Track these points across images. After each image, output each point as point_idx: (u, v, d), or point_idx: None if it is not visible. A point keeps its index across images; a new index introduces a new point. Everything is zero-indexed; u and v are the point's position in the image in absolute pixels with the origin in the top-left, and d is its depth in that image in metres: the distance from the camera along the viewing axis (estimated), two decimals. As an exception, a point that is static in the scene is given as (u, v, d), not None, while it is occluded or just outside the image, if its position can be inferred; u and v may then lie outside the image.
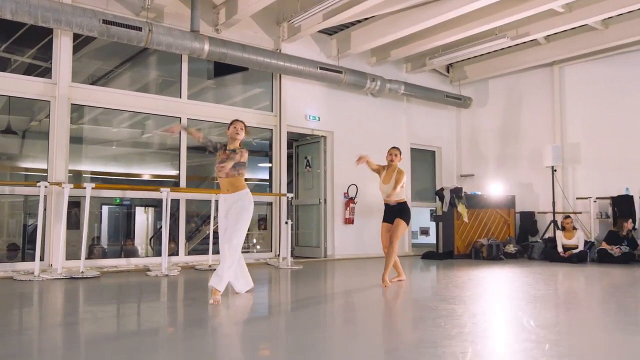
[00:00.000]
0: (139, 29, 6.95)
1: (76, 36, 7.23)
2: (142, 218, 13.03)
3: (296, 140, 10.19)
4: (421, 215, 11.76)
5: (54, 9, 6.37)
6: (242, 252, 4.98)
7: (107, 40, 7.63)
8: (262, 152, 10.02)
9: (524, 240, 10.09)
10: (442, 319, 3.88)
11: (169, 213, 7.04)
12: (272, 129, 8.90)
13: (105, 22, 6.71)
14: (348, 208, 9.48)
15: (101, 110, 9.05)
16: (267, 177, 10.60)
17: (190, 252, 8.29)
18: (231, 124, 4.93)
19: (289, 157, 10.43)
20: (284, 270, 7.53)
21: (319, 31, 9.03)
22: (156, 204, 12.52)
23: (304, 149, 10.07)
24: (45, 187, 6.30)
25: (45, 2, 6.34)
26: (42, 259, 6.43)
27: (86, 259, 6.67)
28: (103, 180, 10.92)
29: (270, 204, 8.87)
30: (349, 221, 9.47)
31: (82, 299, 5.08)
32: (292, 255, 8.20)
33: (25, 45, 7.84)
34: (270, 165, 9.03)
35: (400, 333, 3.74)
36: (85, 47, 8.18)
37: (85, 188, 6.40)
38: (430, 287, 6.30)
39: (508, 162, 10.75)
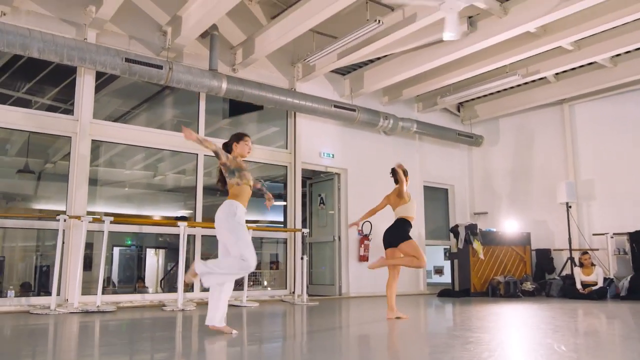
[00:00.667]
0: (160, 67, 7.16)
1: (98, 76, 7.45)
2: (153, 260, 13.00)
3: (309, 178, 10.25)
4: (435, 254, 11.65)
5: (79, 47, 6.59)
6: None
7: (127, 81, 7.89)
8: (275, 193, 10.10)
9: (541, 277, 9.94)
10: (471, 344, 3.80)
11: (184, 249, 7.01)
12: (286, 166, 8.98)
13: (127, 60, 6.92)
14: (362, 245, 9.43)
15: (115, 152, 9.21)
16: (281, 218, 10.62)
17: (203, 290, 8.22)
18: (244, 140, 4.60)
19: (303, 195, 10.48)
20: (299, 306, 7.43)
21: (333, 71, 9.26)
22: (167, 246, 12.51)
23: (317, 186, 10.12)
24: (65, 220, 6.34)
25: (71, 41, 6.57)
26: (58, 294, 6.39)
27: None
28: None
29: (285, 240, 8.84)
30: (363, 258, 9.40)
31: (112, 332, 5.01)
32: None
33: (48, 84, 8.07)
34: (285, 203, 9.06)
35: (433, 356, 3.66)
36: (105, 87, 8.42)
37: (104, 221, 6.44)
38: (452, 320, 6.18)
39: (521, 200, 10.72)
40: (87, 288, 8.62)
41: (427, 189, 10.84)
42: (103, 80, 7.92)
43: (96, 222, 6.53)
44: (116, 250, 12.02)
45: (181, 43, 7.56)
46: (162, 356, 3.55)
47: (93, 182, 10.27)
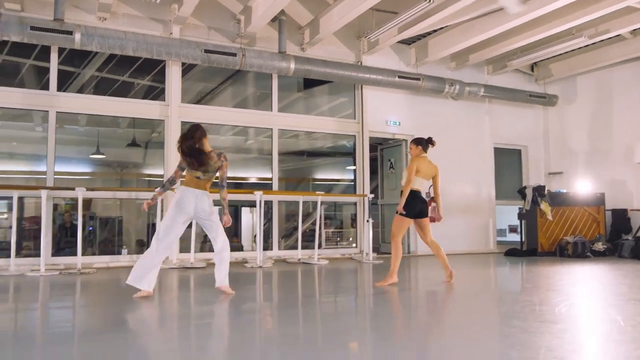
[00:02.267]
0: (234, 54, 8.07)
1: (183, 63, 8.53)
2: (248, 217, 14.43)
3: (380, 144, 10.87)
4: (510, 214, 11.86)
5: (165, 44, 7.67)
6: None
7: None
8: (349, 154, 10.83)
9: (617, 238, 9.90)
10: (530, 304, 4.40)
11: (262, 212, 8.07)
12: (355, 135, 9.67)
13: (206, 51, 7.91)
14: (430, 207, 9.95)
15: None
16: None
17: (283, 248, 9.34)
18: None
19: (374, 159, 11.15)
20: (367, 264, 8.25)
21: (400, 42, 9.64)
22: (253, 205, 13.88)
23: (387, 152, 10.72)
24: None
25: (158, 38, 7.67)
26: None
27: (196, 252, 7.90)
28: (214, 184, 12.37)
29: (355, 204, 9.64)
30: (431, 219, 9.93)
31: (196, 285, 6.20)
32: (376, 252, 8.90)
33: (144, 72, 9.30)
34: (354, 167, 9.81)
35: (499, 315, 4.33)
36: (193, 69, 9.54)
37: (192, 192, 7.63)
38: (506, 278, 6.69)
39: (598, 159, 10.56)
40: (186, 244, 10.11)
41: (498, 150, 11.02)
42: (188, 65, 9.03)
43: (187, 193, 7.73)
44: (215, 209, 13.52)
45: (252, 30, 8.38)
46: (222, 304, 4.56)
47: None
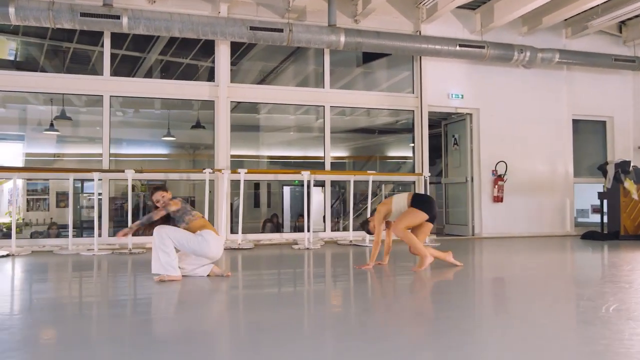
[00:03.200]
0: (281, 30, 7.83)
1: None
2: (319, 197, 14.33)
3: (445, 119, 10.24)
4: (591, 193, 10.77)
5: (210, 23, 7.58)
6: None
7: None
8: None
9: None
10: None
11: (310, 192, 7.86)
12: (413, 110, 9.13)
13: (252, 28, 7.74)
14: (496, 186, 9.27)
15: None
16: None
17: (344, 229, 9.12)
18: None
19: (435, 136, 10.53)
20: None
21: (461, 7, 8.91)
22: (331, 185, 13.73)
23: (451, 127, 10.08)
24: (210, 172, 7.63)
25: (204, 18, 7.60)
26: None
27: (260, 232, 7.86)
28: (283, 163, 12.40)
29: (414, 183, 9.17)
30: (497, 199, 9.27)
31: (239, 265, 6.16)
32: (437, 233, 8.42)
33: (207, 54, 9.31)
34: (413, 145, 9.31)
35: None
36: (253, 48, 9.45)
37: (239, 173, 7.59)
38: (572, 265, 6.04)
39: (699, 130, 9.25)
40: (253, 224, 10.16)
41: (578, 122, 9.98)
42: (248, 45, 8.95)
43: (234, 173, 7.72)
44: (286, 189, 13.53)
45: (301, 4, 8.09)
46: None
47: (255, 128, 11.74)
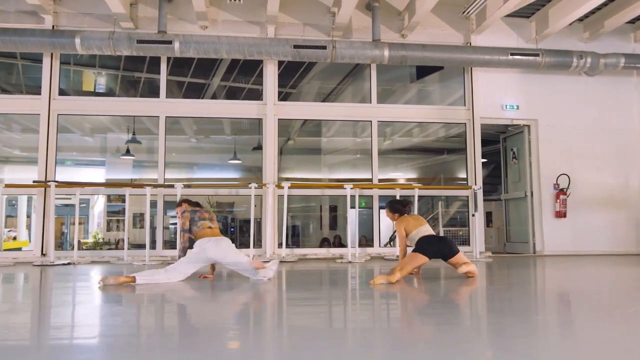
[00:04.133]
0: (324, 47, 7.98)
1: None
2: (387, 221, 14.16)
3: (503, 132, 9.83)
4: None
5: (256, 43, 7.90)
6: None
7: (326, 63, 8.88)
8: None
9: None
10: None
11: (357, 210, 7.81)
12: (465, 123, 8.87)
13: (295, 46, 7.96)
14: (559, 200, 8.70)
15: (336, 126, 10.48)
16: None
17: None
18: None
19: (492, 153, 10.12)
20: (475, 263, 7.44)
21: (514, 15, 8.63)
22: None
23: (510, 140, 9.66)
24: (256, 187, 7.84)
25: (249, 39, 7.93)
26: (260, 246, 7.99)
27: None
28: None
29: (467, 198, 8.83)
30: (560, 214, 8.68)
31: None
32: (492, 251, 8.01)
33: (248, 74, 9.69)
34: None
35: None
36: (312, 68, 9.72)
37: (283, 187, 7.74)
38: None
39: None
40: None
41: (654, 133, 9.19)
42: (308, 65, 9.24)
43: (278, 188, 7.88)
44: (351, 211, 13.56)
45: (344, 21, 8.21)
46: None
47: (317, 151, 11.96)
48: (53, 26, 7.98)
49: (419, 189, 8.13)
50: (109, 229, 12.59)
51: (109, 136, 12.11)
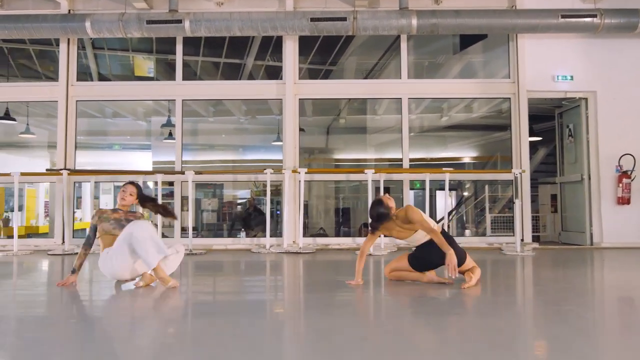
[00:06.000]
0: (344, 19, 7.27)
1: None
2: (444, 201, 13.30)
3: (559, 107, 8.68)
4: None
5: (270, 18, 7.33)
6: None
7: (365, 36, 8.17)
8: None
9: None
10: None
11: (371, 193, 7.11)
12: (509, 98, 7.86)
13: (313, 19, 7.31)
14: (621, 184, 7.52)
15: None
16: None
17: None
18: (122, 187, 4.53)
19: (543, 130, 9.01)
20: (510, 256, 6.56)
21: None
22: (455, 187, 12.61)
23: (566, 116, 8.51)
24: (271, 173, 7.35)
25: (262, 14, 7.37)
26: (271, 235, 7.47)
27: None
28: (389, 165, 11.79)
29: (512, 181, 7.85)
30: (623, 201, 7.51)
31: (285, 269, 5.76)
32: (535, 243, 7.06)
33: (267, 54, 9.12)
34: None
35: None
36: (350, 43, 9.04)
37: (299, 172, 7.19)
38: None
39: None
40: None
41: None
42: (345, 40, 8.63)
43: (294, 172, 7.34)
44: (411, 193, 12.83)
45: (370, -12, 7.46)
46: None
47: (362, 130, 11.34)
48: (69, 10, 7.83)
49: (449, 173, 7.27)
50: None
51: (153, 119, 12.09)
